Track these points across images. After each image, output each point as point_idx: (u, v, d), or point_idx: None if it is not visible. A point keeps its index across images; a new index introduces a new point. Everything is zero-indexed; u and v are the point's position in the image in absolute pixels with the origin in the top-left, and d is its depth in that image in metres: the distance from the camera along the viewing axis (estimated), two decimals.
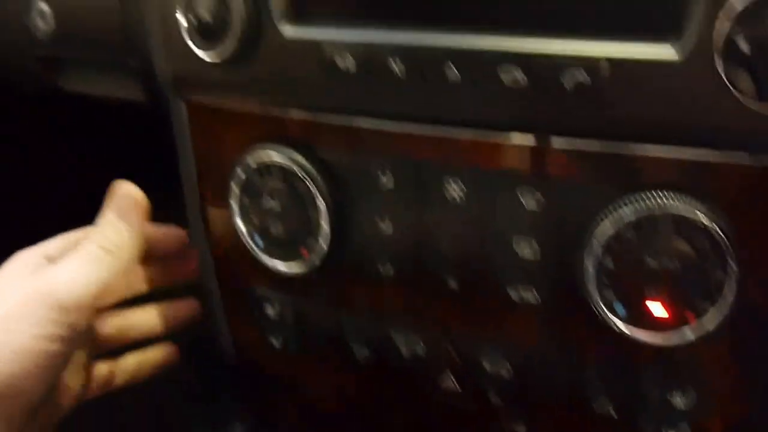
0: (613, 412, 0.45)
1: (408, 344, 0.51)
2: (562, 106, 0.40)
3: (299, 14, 0.46)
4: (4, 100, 0.86)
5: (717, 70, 0.36)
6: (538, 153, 0.42)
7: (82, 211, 0.60)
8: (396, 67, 0.43)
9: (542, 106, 0.40)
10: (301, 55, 0.46)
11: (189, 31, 0.48)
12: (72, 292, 0.49)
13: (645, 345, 0.42)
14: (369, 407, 0.57)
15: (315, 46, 0.45)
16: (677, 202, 0.39)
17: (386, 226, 0.48)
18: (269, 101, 0.49)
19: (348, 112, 0.47)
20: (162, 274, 0.63)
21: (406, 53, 0.43)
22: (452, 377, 0.50)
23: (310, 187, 0.48)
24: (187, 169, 0.57)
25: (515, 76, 0.40)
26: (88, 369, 0.59)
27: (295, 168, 0.48)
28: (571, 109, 0.40)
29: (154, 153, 0.70)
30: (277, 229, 0.50)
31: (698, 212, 0.39)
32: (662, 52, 0.38)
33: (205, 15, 0.47)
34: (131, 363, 0.63)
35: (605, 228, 0.40)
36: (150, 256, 0.60)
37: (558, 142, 0.42)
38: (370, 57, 0.44)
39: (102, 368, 0.61)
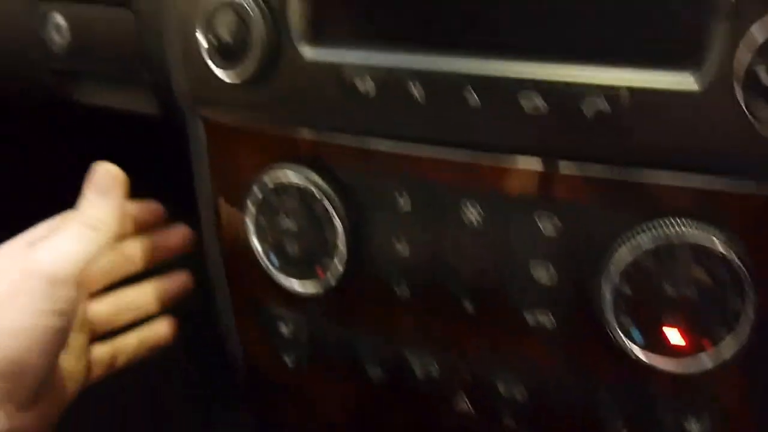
0: None
1: (422, 365, 0.51)
2: (581, 132, 0.40)
3: (319, 36, 0.47)
4: (14, 107, 0.87)
5: (737, 100, 0.37)
6: (556, 178, 0.43)
7: None
8: (416, 91, 0.43)
9: (561, 132, 0.41)
10: (321, 77, 0.46)
11: (209, 51, 0.49)
12: (57, 266, 0.50)
13: (661, 371, 0.42)
14: (381, 427, 0.57)
15: (334, 68, 0.46)
16: (695, 230, 0.39)
17: (403, 248, 0.48)
18: (288, 122, 0.49)
19: (367, 135, 0.47)
20: (149, 252, 0.63)
21: (426, 77, 0.43)
22: (466, 399, 0.50)
23: (327, 207, 0.48)
24: (203, 186, 0.58)
25: (535, 102, 0.40)
26: (88, 352, 0.59)
27: (312, 188, 0.48)
28: (590, 136, 0.40)
29: (166, 165, 0.70)
30: (292, 248, 0.50)
31: (716, 240, 0.39)
32: (682, 81, 0.38)
33: (226, 35, 0.48)
34: (131, 342, 0.64)
35: (623, 255, 0.40)
36: (133, 232, 0.61)
37: (576, 168, 0.42)
38: (389, 80, 0.44)
39: (102, 350, 0.61)
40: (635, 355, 0.42)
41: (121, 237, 0.59)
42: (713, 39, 0.37)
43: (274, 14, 0.47)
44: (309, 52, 0.47)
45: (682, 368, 0.41)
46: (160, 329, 0.66)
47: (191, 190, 0.62)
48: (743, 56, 0.36)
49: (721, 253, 0.39)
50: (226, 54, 0.48)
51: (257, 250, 0.52)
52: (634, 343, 0.41)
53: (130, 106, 0.72)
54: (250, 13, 0.47)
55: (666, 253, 0.39)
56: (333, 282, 0.50)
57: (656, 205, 0.40)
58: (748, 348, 0.40)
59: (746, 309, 0.39)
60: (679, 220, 0.39)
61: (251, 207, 0.52)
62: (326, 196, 0.48)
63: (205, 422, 0.94)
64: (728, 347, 0.40)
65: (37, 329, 0.48)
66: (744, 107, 0.36)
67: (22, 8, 0.72)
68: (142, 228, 0.63)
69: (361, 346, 0.53)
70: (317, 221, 0.49)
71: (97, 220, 0.54)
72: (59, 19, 0.71)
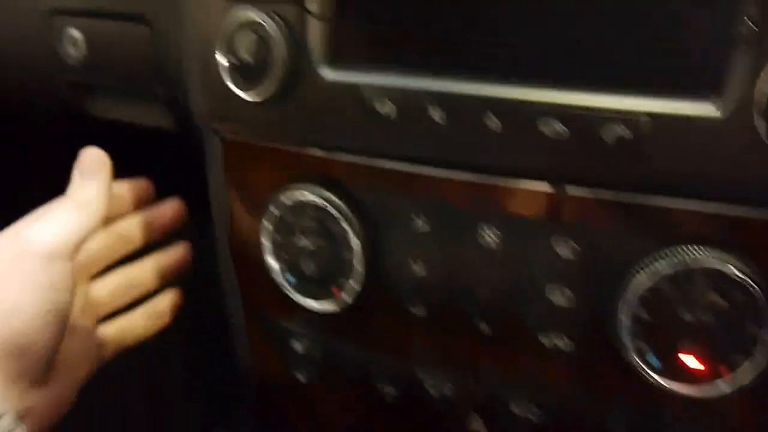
0: None
1: (436, 384, 0.51)
2: (601, 158, 0.40)
3: (339, 58, 0.47)
4: (27, 116, 0.87)
5: (756, 129, 0.37)
6: (575, 203, 0.43)
7: None
8: (435, 114, 0.44)
9: (581, 158, 0.41)
10: (341, 98, 0.47)
11: (229, 70, 0.49)
12: (49, 243, 0.50)
13: (676, 395, 0.42)
14: None
15: (354, 89, 0.46)
16: (713, 257, 0.39)
17: (419, 268, 0.48)
18: (306, 141, 0.50)
19: (386, 156, 0.47)
20: (143, 229, 0.64)
21: (446, 101, 0.44)
22: (480, 419, 0.50)
23: (344, 226, 0.49)
24: (219, 202, 0.58)
25: (555, 128, 0.41)
26: (95, 333, 0.60)
27: (330, 208, 0.49)
28: (610, 162, 0.40)
29: (179, 178, 0.71)
30: (309, 267, 0.51)
31: (734, 267, 0.39)
32: (703, 109, 0.38)
33: (246, 55, 0.48)
34: (139, 319, 0.64)
35: (641, 280, 0.40)
36: (126, 212, 0.63)
37: (595, 193, 0.42)
38: (409, 103, 0.45)
39: (109, 330, 0.62)
40: (652, 379, 0.42)
41: (114, 217, 0.61)
42: (734, 68, 0.37)
43: (295, 35, 0.47)
44: (329, 73, 0.47)
45: (699, 393, 0.41)
46: (166, 302, 0.67)
47: (204, 202, 0.63)
48: (764, 85, 0.36)
49: (739, 279, 0.39)
50: (245, 74, 0.48)
51: (273, 268, 0.53)
52: (651, 367, 0.42)
53: (143, 120, 0.73)
54: (271, 33, 0.47)
55: (684, 278, 0.40)
56: (349, 300, 0.50)
57: (674, 231, 0.41)
58: (766, 373, 0.40)
59: (763, 335, 0.39)
60: (697, 246, 0.39)
61: (268, 225, 0.52)
62: (343, 216, 0.49)
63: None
64: (745, 373, 0.40)
65: (36, 305, 0.48)
66: (764, 136, 0.37)
67: (37, 22, 0.72)
68: (134, 207, 0.64)
69: (375, 364, 0.53)
70: (334, 240, 0.49)
71: (85, 201, 0.54)
72: (75, 33, 0.71)
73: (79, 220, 0.53)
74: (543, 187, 0.43)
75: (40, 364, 0.49)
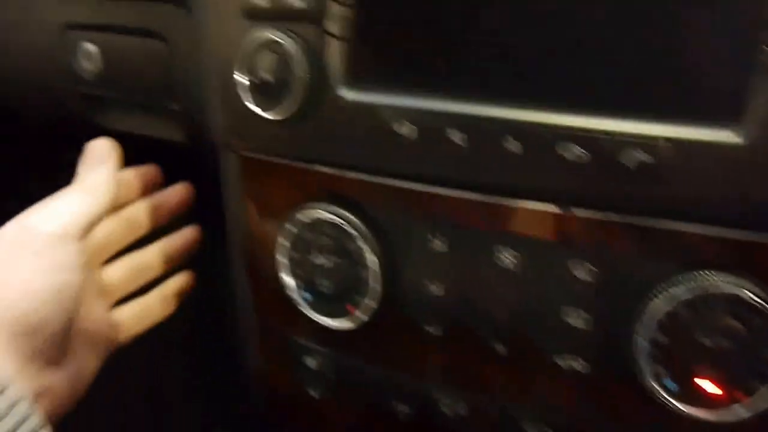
0: None
1: (451, 404, 0.51)
2: (620, 182, 0.41)
3: (358, 78, 0.47)
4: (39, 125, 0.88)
5: None
6: (593, 226, 0.43)
7: None
8: (455, 136, 0.44)
9: (600, 181, 0.41)
10: (360, 119, 0.47)
11: (248, 89, 0.50)
12: (56, 225, 0.51)
13: (693, 418, 0.42)
14: None
15: (373, 110, 0.47)
16: (732, 282, 0.39)
17: (436, 288, 0.48)
18: (325, 161, 0.50)
19: (404, 177, 0.47)
20: (151, 214, 0.65)
21: (466, 123, 0.44)
22: None
23: (361, 245, 0.49)
24: (234, 218, 0.58)
25: (575, 151, 0.41)
26: (110, 316, 0.60)
27: (347, 226, 0.49)
28: (629, 186, 0.41)
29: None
30: (324, 284, 0.51)
31: (751, 292, 0.39)
32: (722, 135, 0.38)
33: (266, 75, 0.48)
34: (153, 301, 0.65)
35: (659, 304, 0.41)
36: (133, 198, 0.64)
37: (613, 217, 0.42)
38: (428, 124, 0.45)
39: (124, 313, 0.62)
40: (669, 403, 0.42)
41: (122, 203, 0.62)
42: (754, 95, 0.38)
43: (314, 55, 0.48)
44: (348, 94, 0.47)
45: (716, 418, 0.41)
46: (177, 284, 0.68)
47: (216, 214, 0.63)
48: None
49: (757, 304, 0.39)
50: (265, 93, 0.49)
51: (289, 284, 0.53)
52: (668, 391, 0.42)
53: (156, 133, 0.73)
54: (292, 53, 0.47)
55: (703, 303, 0.40)
56: (365, 318, 0.50)
57: (693, 256, 0.41)
58: None
59: None
60: (716, 272, 0.40)
61: (284, 242, 0.52)
62: (360, 234, 0.49)
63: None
64: (763, 398, 0.40)
65: (47, 285, 0.49)
66: None
67: (52, 36, 0.73)
68: (141, 193, 0.65)
69: (390, 382, 0.53)
70: (350, 258, 0.50)
71: (92, 185, 0.55)
72: (90, 47, 0.72)
73: (87, 203, 0.53)
74: (561, 210, 0.44)
75: (54, 344, 0.50)
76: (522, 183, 0.44)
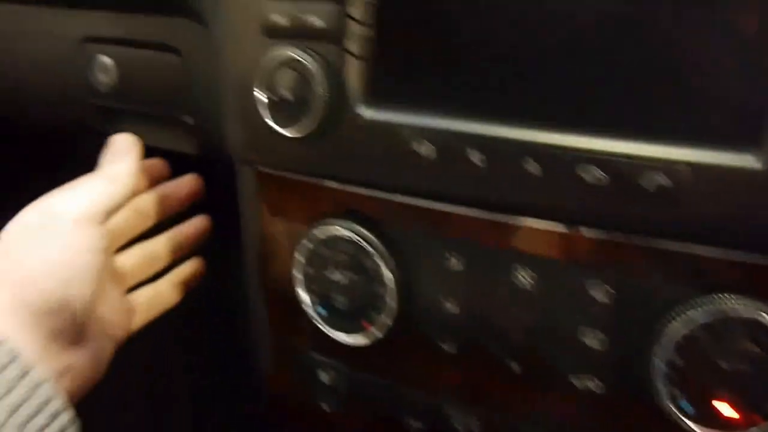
0: None
1: (464, 422, 0.51)
2: (639, 205, 0.41)
3: (377, 97, 0.48)
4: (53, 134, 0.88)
5: None
6: (611, 248, 0.43)
7: None
8: (474, 156, 0.44)
9: (620, 204, 0.41)
10: (379, 137, 0.47)
11: (268, 106, 0.50)
12: (78, 207, 0.52)
13: None
14: None
15: (392, 129, 0.47)
16: (750, 306, 0.40)
17: (452, 306, 0.49)
18: (343, 178, 0.50)
19: (422, 195, 0.48)
20: (161, 204, 0.66)
21: (485, 144, 0.44)
22: None
23: (378, 261, 0.49)
24: (250, 233, 0.58)
25: (595, 174, 0.41)
26: (124, 301, 0.61)
27: (364, 243, 0.49)
28: (648, 210, 0.41)
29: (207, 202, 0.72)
30: (340, 300, 0.51)
31: None
32: (742, 160, 0.39)
33: (286, 93, 0.49)
34: (165, 285, 0.67)
35: (677, 327, 0.41)
36: (144, 189, 0.65)
37: (632, 239, 0.43)
38: (448, 144, 0.45)
39: (137, 299, 0.63)
40: (685, 425, 0.42)
41: (132, 195, 0.62)
42: None
43: (334, 73, 0.48)
44: (367, 112, 0.48)
45: None
46: (189, 270, 0.69)
47: (230, 226, 0.63)
48: None
49: None
50: (284, 110, 0.49)
51: (304, 300, 0.53)
52: (684, 414, 0.42)
53: (169, 145, 0.74)
54: (312, 71, 0.48)
55: (721, 327, 0.40)
56: (380, 335, 0.51)
57: (711, 279, 0.41)
58: None
59: None
60: (734, 295, 0.40)
61: (300, 258, 0.52)
62: (377, 251, 0.49)
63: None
64: None
65: (69, 265, 0.50)
66: None
67: (69, 48, 0.74)
68: (150, 184, 0.67)
69: (403, 398, 0.54)
70: (367, 275, 0.50)
71: (114, 174, 0.56)
72: (106, 60, 0.72)
73: (109, 190, 0.54)
74: (580, 231, 0.44)
75: (75, 324, 0.50)
76: (540, 204, 0.44)
